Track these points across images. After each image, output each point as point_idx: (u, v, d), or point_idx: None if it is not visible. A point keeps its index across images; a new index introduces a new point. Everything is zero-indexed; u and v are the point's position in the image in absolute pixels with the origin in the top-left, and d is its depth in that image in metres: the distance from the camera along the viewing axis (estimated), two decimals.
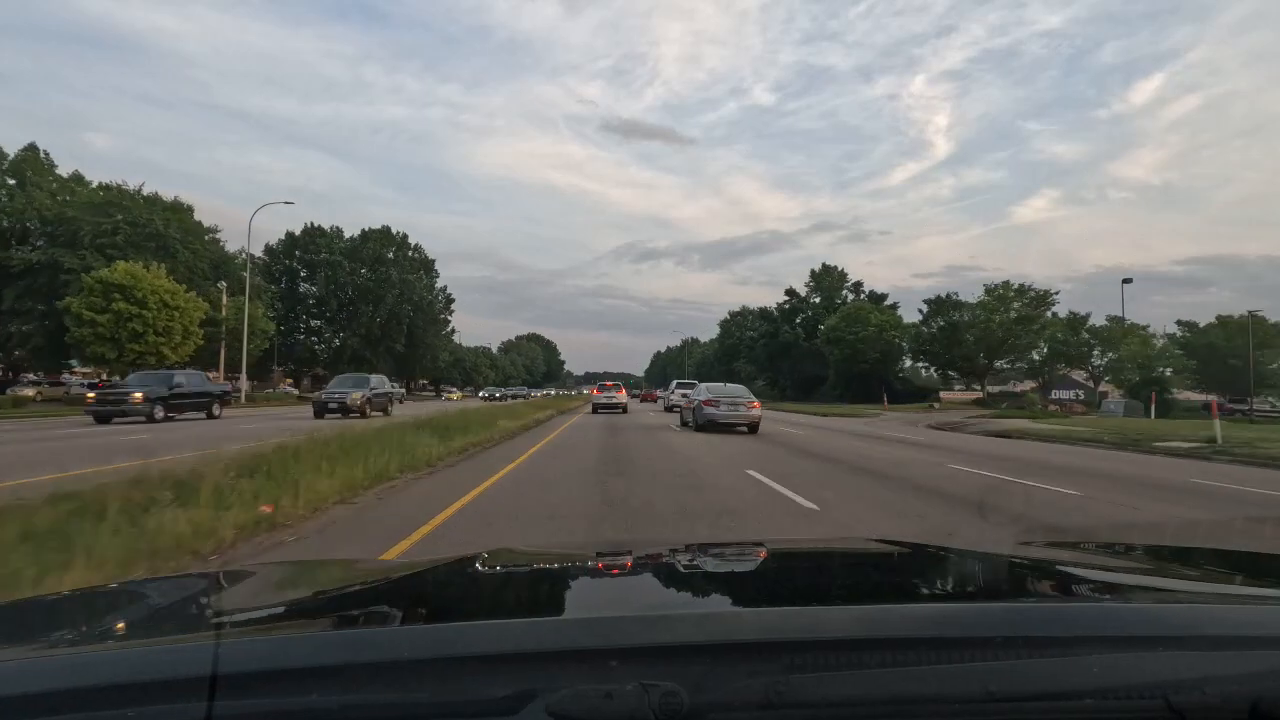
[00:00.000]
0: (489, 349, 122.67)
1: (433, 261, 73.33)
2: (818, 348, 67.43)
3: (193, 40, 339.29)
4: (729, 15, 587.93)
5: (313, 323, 66.71)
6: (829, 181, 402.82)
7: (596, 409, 32.51)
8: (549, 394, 76.18)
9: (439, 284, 75.62)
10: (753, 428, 17.58)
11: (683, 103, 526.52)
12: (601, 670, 0.75)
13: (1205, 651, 0.84)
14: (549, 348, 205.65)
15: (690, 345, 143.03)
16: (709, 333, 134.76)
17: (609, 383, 36.42)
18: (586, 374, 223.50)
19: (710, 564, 1.60)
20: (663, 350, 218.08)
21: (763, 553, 1.83)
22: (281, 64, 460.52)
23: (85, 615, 1.22)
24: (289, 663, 0.76)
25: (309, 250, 64.72)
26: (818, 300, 72.38)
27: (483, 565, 1.50)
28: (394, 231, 70.22)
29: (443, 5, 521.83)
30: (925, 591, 1.37)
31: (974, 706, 0.76)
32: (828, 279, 72.66)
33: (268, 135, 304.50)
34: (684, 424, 20.00)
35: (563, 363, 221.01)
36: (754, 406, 17.88)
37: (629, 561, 1.64)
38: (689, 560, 1.65)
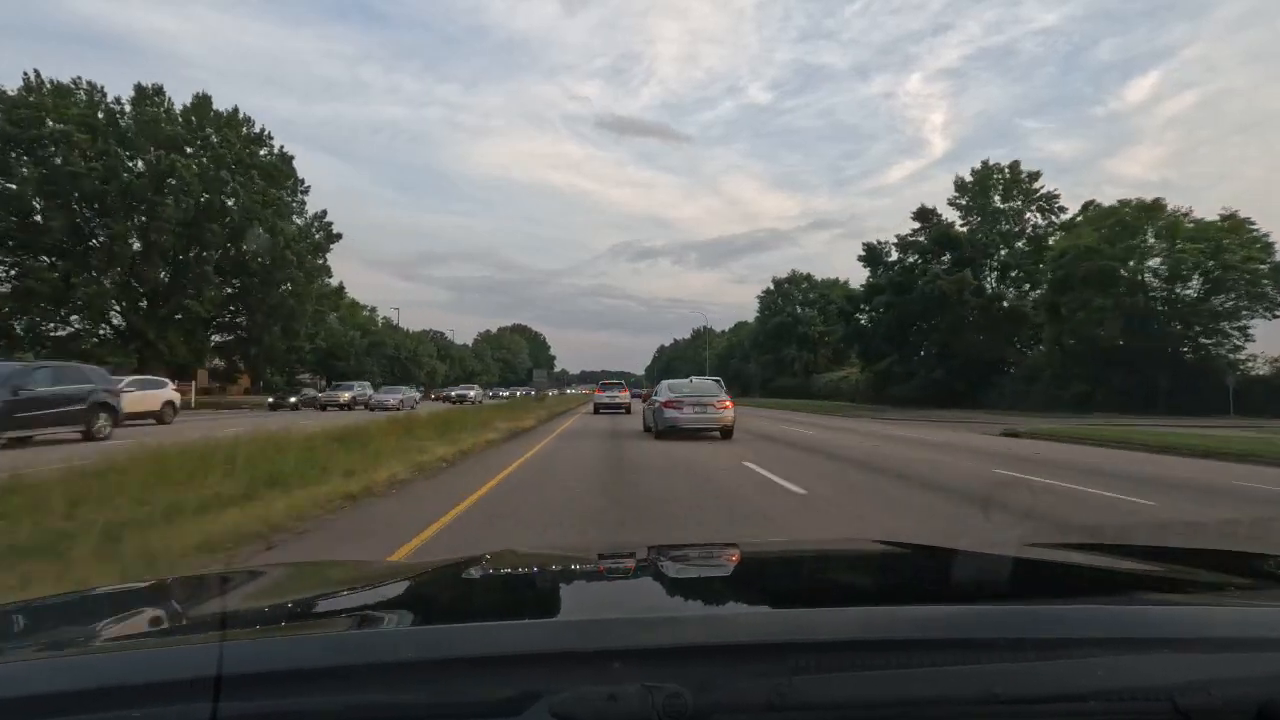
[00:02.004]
0: (443, 334, 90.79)
1: (291, 158, 41.58)
2: (1012, 308, 35.96)
3: (191, 40, 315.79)
4: (726, 14, 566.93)
5: (49, 260, 34.53)
6: (827, 180, 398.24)
7: (598, 409, 28.51)
8: (466, 395, 45.36)
9: (309, 206, 43.95)
10: (725, 433, 14.79)
11: (680, 101, 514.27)
12: (605, 672, 0.74)
13: (1212, 654, 0.83)
14: (537, 341, 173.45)
15: (705, 335, 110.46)
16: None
17: (610, 381, 33.42)
18: (583, 373, 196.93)
19: (713, 565, 1.62)
20: (667, 344, 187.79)
21: (766, 554, 1.84)
22: (281, 64, 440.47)
23: (91, 616, 1.20)
24: (294, 664, 0.76)
25: (35, 127, 32.62)
26: (967, 229, 40.60)
27: (486, 567, 1.50)
28: (219, 110, 38.61)
29: (441, 5, 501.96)
30: (930, 593, 1.33)
31: (979, 708, 0.75)
32: (989, 183, 40.81)
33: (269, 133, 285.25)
34: (646, 429, 16.26)
35: (553, 359, 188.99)
36: (724, 407, 14.89)
37: (631, 563, 1.64)
38: (692, 562, 1.67)
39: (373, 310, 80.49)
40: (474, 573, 1.45)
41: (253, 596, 1.32)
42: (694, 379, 19.19)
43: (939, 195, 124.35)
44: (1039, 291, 37.94)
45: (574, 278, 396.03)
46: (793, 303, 77.93)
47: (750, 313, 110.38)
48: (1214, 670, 0.81)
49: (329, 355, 60.82)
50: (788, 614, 1.06)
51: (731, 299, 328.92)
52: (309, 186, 43.23)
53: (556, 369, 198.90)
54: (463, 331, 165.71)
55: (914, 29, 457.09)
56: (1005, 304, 36.94)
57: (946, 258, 39.59)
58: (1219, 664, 0.82)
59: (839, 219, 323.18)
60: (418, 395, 35.84)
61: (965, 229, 40.88)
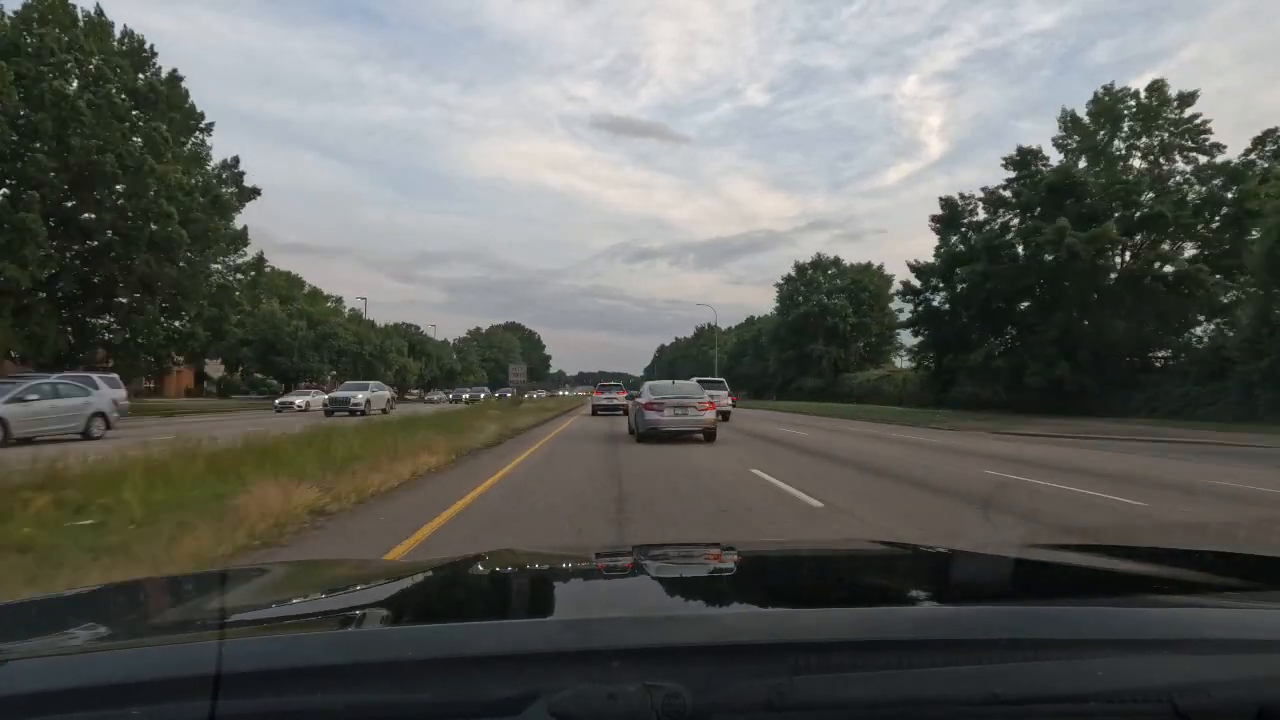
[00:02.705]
0: (417, 328, 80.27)
1: (181, 79, 31.15)
2: (1181, 274, 25.66)
3: (190, 42, 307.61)
4: (724, 16, 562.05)
5: None
6: (824, 181, 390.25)
7: (596, 410, 28.74)
8: (351, 401, 29.74)
9: (213, 149, 33.51)
10: (708, 435, 14.39)
11: (678, 103, 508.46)
12: (604, 671, 0.74)
13: (1212, 655, 0.83)
14: (531, 340, 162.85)
15: (711, 333, 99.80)
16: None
17: (607, 383, 33.28)
18: (580, 374, 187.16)
19: (712, 565, 1.60)
20: (668, 343, 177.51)
21: (766, 554, 1.83)
22: (278, 65, 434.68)
23: (90, 614, 1.20)
24: (293, 662, 0.76)
25: None
26: (1104, 172, 30.03)
27: (485, 566, 1.49)
28: (75, 8, 28.25)
29: (438, 6, 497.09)
30: (930, 593, 1.33)
31: (979, 709, 0.75)
32: (1116, 113, 30.39)
33: (266, 135, 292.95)
34: (630, 432, 15.85)
35: (549, 359, 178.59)
36: (707, 408, 14.35)
37: (630, 563, 1.61)
38: (691, 562, 1.65)
39: (338, 301, 70.30)
40: (473, 572, 1.45)
41: (252, 595, 1.30)
42: (676, 381, 18.38)
43: (935, 198, 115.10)
44: (1188, 255, 27.65)
45: (572, 278, 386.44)
46: (819, 291, 67.40)
47: (749, 312, 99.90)
48: (1214, 672, 0.80)
49: (270, 348, 50.53)
50: (788, 614, 1.05)
51: (729, 299, 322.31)
52: (211, 124, 32.95)
53: (554, 370, 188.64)
54: (458, 332, 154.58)
55: (910, 31, 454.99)
56: (1166, 270, 26.43)
57: (1047, 219, 29.11)
58: (1219, 665, 0.81)
59: (836, 220, 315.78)
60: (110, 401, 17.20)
61: (1090, 171, 30.37)
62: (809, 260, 70.85)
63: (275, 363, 49.98)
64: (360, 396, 30.02)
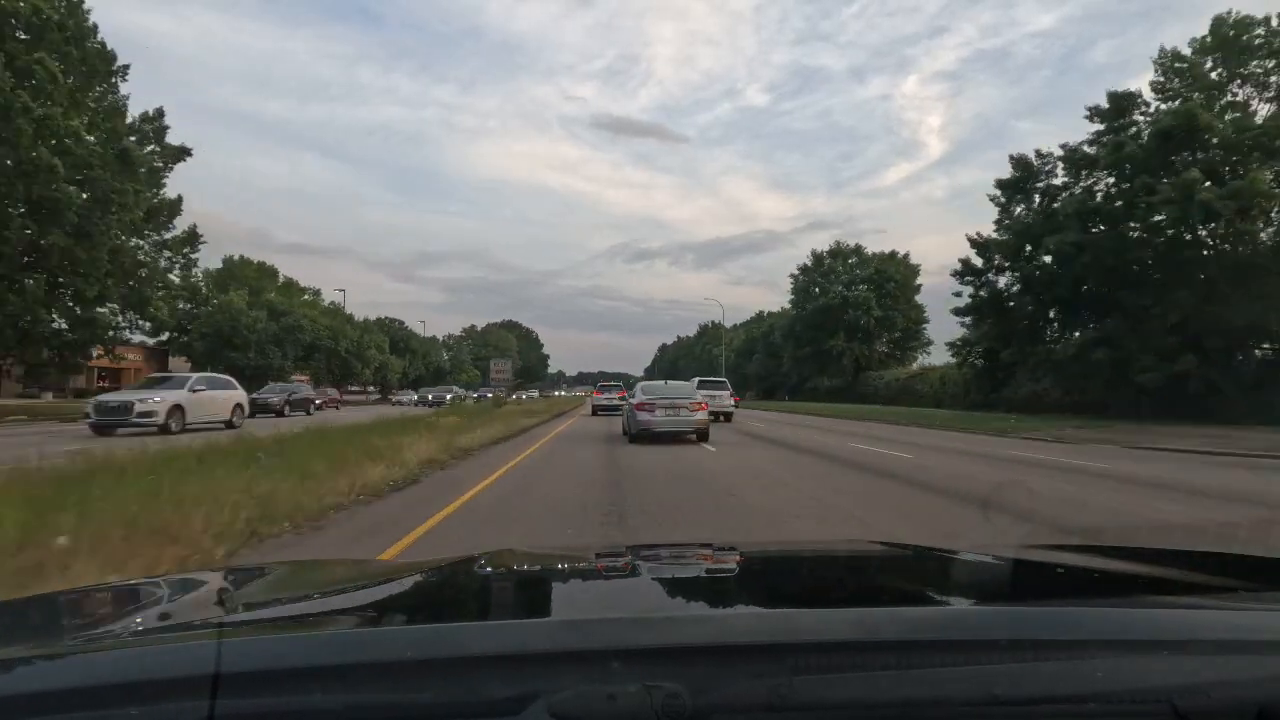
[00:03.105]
0: (401, 323, 74.35)
1: (84, 11, 25.34)
2: None
3: (189, 43, 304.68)
4: (723, 16, 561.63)
5: None
6: (824, 181, 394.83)
7: (596, 410, 28.94)
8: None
9: (129, 99, 27.65)
10: (701, 435, 14.31)
11: (677, 103, 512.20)
12: (604, 671, 0.74)
13: (1211, 656, 0.83)
14: (529, 339, 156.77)
15: (716, 330, 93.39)
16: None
17: (607, 384, 33.64)
18: (580, 374, 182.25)
19: (713, 566, 1.59)
20: (670, 342, 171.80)
21: (766, 555, 1.80)
22: (278, 65, 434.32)
23: (89, 613, 1.20)
24: (291, 662, 0.76)
25: None
26: (1221, 116, 23.99)
27: (484, 566, 1.49)
28: None
29: (437, 6, 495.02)
30: (930, 594, 1.34)
31: (978, 710, 0.75)
32: (1240, 47, 24.43)
33: (265, 135, 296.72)
34: (624, 432, 15.82)
35: (547, 358, 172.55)
36: (699, 408, 14.37)
37: (629, 563, 1.61)
38: (690, 562, 1.64)
39: (315, 293, 64.46)
40: (472, 572, 1.44)
41: (251, 595, 1.30)
42: (669, 381, 18.79)
43: (937, 197, 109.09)
44: None
45: (571, 278, 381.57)
46: (838, 281, 61.45)
47: (748, 313, 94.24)
48: (1213, 672, 0.80)
49: (225, 343, 44.75)
50: (788, 614, 1.05)
51: (728, 300, 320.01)
52: (126, 66, 27.09)
53: (552, 369, 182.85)
54: (456, 332, 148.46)
55: (910, 32, 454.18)
56: None
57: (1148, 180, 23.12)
58: (1218, 666, 0.81)
59: (835, 220, 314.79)
60: None
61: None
62: (827, 248, 64.94)
63: (231, 359, 44.19)
64: (156, 402, 16.10)
